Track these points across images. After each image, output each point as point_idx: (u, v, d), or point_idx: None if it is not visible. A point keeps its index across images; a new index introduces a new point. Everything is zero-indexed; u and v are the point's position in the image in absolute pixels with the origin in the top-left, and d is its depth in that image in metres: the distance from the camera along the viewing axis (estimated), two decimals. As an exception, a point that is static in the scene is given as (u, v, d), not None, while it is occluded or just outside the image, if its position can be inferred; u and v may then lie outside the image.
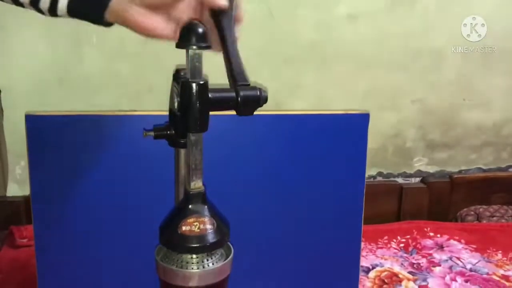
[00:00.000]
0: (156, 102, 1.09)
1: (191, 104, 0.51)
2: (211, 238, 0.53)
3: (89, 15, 0.54)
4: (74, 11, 0.54)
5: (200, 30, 0.51)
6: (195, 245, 0.53)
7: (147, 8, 0.52)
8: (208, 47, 0.52)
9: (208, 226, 0.54)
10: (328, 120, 0.90)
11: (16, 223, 1.14)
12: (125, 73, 1.15)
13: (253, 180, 0.87)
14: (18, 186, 1.19)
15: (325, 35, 1.20)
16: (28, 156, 0.80)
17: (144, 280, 0.79)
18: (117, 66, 1.14)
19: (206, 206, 0.54)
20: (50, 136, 0.80)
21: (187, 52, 0.52)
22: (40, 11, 0.55)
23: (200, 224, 0.53)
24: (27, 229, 1.10)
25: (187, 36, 0.51)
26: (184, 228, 0.53)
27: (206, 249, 0.54)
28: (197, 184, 0.54)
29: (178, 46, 0.52)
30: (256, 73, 1.17)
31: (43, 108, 1.05)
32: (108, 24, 0.55)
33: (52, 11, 0.54)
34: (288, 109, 1.21)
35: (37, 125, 0.79)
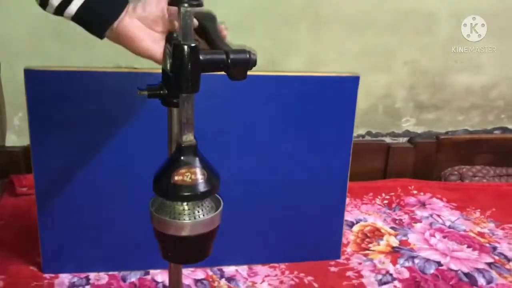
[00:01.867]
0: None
1: (183, 65, 0.53)
2: (202, 187, 0.57)
3: (92, 27, 0.57)
4: (79, 18, 0.56)
5: None
6: (187, 194, 0.57)
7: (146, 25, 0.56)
8: (199, 5, 0.54)
9: (199, 176, 0.57)
10: (320, 82, 0.92)
11: (15, 172, 1.17)
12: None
13: (244, 138, 0.91)
14: (16, 137, 1.22)
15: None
16: (28, 109, 0.83)
17: (140, 228, 0.84)
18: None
19: (197, 158, 0.57)
20: (49, 90, 0.83)
21: (179, 9, 0.54)
22: (45, 4, 0.56)
23: (192, 175, 0.56)
24: (27, 178, 1.14)
25: None
26: (176, 178, 0.56)
27: (197, 197, 0.57)
28: (188, 138, 0.57)
29: (171, 3, 0.55)
30: (251, 31, 1.20)
31: (39, 61, 1.07)
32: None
33: (60, 10, 0.56)
34: (282, 69, 1.23)
35: (36, 80, 0.82)
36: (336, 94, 0.93)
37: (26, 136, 0.98)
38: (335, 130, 0.95)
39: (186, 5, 0.53)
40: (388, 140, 1.37)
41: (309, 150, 0.95)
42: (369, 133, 1.36)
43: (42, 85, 0.82)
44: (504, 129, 1.42)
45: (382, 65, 1.30)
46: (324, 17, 1.22)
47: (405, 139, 1.38)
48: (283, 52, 1.24)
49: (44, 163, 0.86)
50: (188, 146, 0.57)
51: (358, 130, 1.34)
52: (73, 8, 0.56)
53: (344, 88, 0.93)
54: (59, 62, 1.09)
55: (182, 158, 0.57)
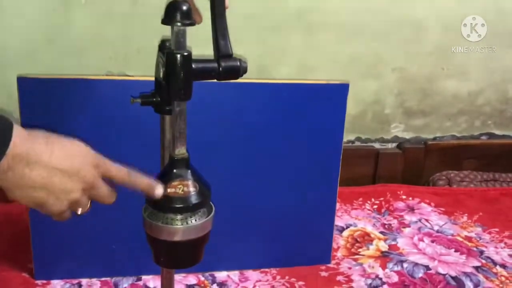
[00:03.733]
0: (144, 64, 1.10)
1: (175, 74, 0.55)
2: (194, 199, 0.58)
3: None
4: None
5: (184, 7, 0.54)
6: (179, 206, 0.58)
7: None
8: (191, 24, 0.56)
9: (191, 189, 0.58)
10: (310, 89, 0.94)
11: (7, 179, 1.17)
12: (114, 35, 1.16)
13: (235, 145, 0.92)
14: (8, 143, 1.22)
15: (312, 4, 1.22)
16: (21, 116, 0.83)
17: (132, 234, 0.85)
18: (105, 27, 1.15)
19: (189, 171, 0.59)
20: (42, 98, 0.83)
21: (172, 28, 0.55)
22: None
23: (184, 187, 0.58)
24: (18, 185, 1.13)
25: (172, 13, 0.54)
26: (169, 190, 0.58)
27: (189, 209, 0.59)
28: (181, 151, 0.59)
29: (164, 22, 0.56)
30: (243, 37, 1.22)
31: (31, 68, 1.08)
32: None
33: None
34: (272, 76, 1.25)
35: (29, 88, 0.82)
36: (326, 101, 0.94)
37: (18, 142, 0.98)
38: (325, 136, 0.96)
39: (179, 24, 0.55)
40: (377, 145, 1.39)
41: (300, 156, 0.96)
42: (358, 139, 1.38)
43: (35, 93, 0.83)
44: (491, 135, 1.45)
45: (371, 72, 1.32)
46: (314, 25, 1.24)
47: (394, 145, 1.40)
48: (273, 59, 1.25)
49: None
50: (180, 159, 0.59)
51: (348, 136, 1.36)
52: None
53: (334, 96, 0.95)
54: (50, 70, 1.09)
55: (174, 170, 0.58)
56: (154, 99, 0.59)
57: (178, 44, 0.55)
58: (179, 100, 0.56)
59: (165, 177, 0.58)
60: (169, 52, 0.55)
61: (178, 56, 0.54)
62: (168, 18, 0.55)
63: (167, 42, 0.59)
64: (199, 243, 0.60)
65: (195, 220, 0.59)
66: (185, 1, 0.55)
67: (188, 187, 0.58)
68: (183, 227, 0.58)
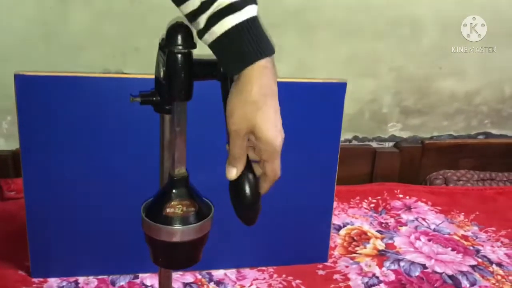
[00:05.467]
0: (142, 62, 1.11)
1: (176, 74, 0.54)
2: (193, 219, 0.58)
3: (240, 54, 0.51)
4: (229, 39, 0.50)
5: (185, 31, 0.54)
6: (179, 226, 0.58)
7: None
8: (191, 47, 0.55)
9: (191, 209, 0.58)
10: (307, 87, 0.94)
11: (3, 177, 1.17)
12: (111, 32, 1.16)
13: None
14: (4, 141, 1.22)
15: (309, 2, 1.22)
16: (18, 114, 0.83)
17: (129, 232, 0.85)
18: (103, 25, 1.15)
19: (188, 191, 0.59)
20: (39, 95, 0.83)
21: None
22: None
23: (184, 207, 0.58)
24: (15, 182, 1.13)
25: (173, 37, 0.54)
26: (168, 210, 0.58)
27: None
28: (180, 170, 0.59)
29: (162, 48, 0.55)
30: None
31: (28, 65, 1.07)
32: None
33: (209, 24, 0.50)
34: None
35: (26, 85, 0.82)
36: (323, 100, 0.94)
37: (15, 140, 0.98)
38: (323, 135, 0.96)
39: (180, 47, 0.54)
40: (374, 144, 1.39)
41: (297, 155, 0.96)
42: (356, 138, 1.38)
43: (32, 90, 0.83)
44: (488, 134, 1.45)
45: (369, 71, 1.32)
46: (312, 24, 1.24)
47: (391, 144, 1.40)
48: (271, 57, 1.25)
49: (33, 167, 0.86)
50: (180, 179, 0.59)
51: (345, 135, 1.36)
52: (228, 23, 0.49)
53: (331, 94, 0.95)
54: (48, 67, 1.09)
55: (174, 191, 0.59)
56: (154, 99, 0.59)
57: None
58: (180, 100, 0.56)
59: (164, 197, 0.59)
60: (170, 51, 0.54)
61: (179, 55, 0.54)
62: (168, 41, 0.54)
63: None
64: (197, 244, 0.60)
65: (194, 221, 0.59)
66: (185, 24, 0.54)
67: (188, 207, 0.58)
68: (182, 228, 0.58)
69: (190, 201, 0.58)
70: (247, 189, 0.56)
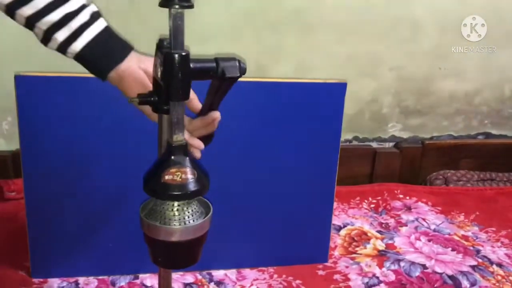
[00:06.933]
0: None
1: (173, 74, 0.54)
2: (192, 186, 0.57)
3: (97, 65, 0.57)
4: (83, 57, 0.57)
5: None
6: (177, 193, 0.57)
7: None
8: (190, 6, 0.54)
9: (189, 176, 0.57)
10: (307, 88, 0.94)
11: (3, 177, 1.17)
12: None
13: (232, 144, 0.92)
14: (5, 141, 1.22)
15: (309, 3, 1.22)
16: (18, 114, 0.83)
17: (129, 232, 0.85)
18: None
19: (187, 158, 0.58)
20: (39, 95, 0.83)
21: (170, 11, 0.54)
22: (46, 41, 0.57)
23: (182, 174, 0.57)
24: (15, 183, 1.13)
25: None
26: (167, 177, 0.56)
27: (187, 196, 0.58)
28: (179, 138, 0.58)
29: (161, 5, 0.54)
30: (240, 36, 1.21)
31: (27, 65, 1.07)
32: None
33: (64, 47, 0.57)
34: (270, 75, 1.25)
35: (26, 85, 0.82)
36: (323, 100, 0.94)
37: (15, 140, 0.98)
38: (323, 135, 0.96)
39: (177, 6, 0.53)
40: (374, 145, 1.39)
41: (297, 155, 0.96)
42: (356, 138, 1.38)
43: (32, 91, 0.83)
44: (488, 134, 1.45)
45: (369, 71, 1.32)
46: (312, 24, 1.24)
47: (391, 144, 1.40)
48: (271, 58, 1.25)
49: (34, 168, 0.86)
50: (178, 146, 0.58)
51: (345, 135, 1.36)
52: (78, 45, 0.56)
53: (331, 95, 0.95)
54: (48, 68, 1.09)
55: (172, 157, 0.57)
56: (152, 99, 0.59)
57: (176, 29, 0.54)
58: (177, 100, 0.56)
59: (162, 164, 0.57)
60: (167, 52, 0.54)
61: (176, 56, 0.54)
62: (165, 0, 0.53)
63: (165, 41, 0.58)
64: (197, 244, 0.60)
65: (193, 220, 0.59)
66: None
67: (186, 174, 0.57)
68: (180, 228, 0.58)
69: (189, 168, 0.57)
70: None
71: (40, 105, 0.84)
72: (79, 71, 0.89)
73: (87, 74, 0.86)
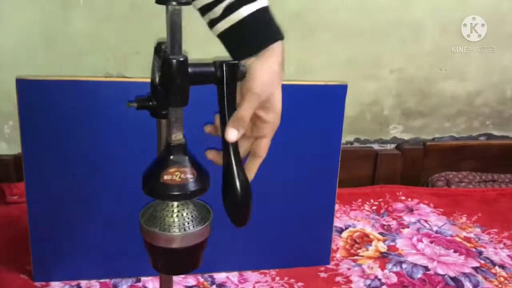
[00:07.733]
0: (143, 65, 1.11)
1: (171, 79, 0.53)
2: (191, 186, 0.56)
3: (256, 37, 0.55)
4: (245, 24, 0.55)
5: None
6: (176, 193, 0.56)
7: None
8: (187, 3, 0.53)
9: (189, 176, 0.56)
10: (308, 90, 0.94)
11: (5, 181, 1.17)
12: (112, 36, 1.17)
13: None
14: (6, 145, 1.22)
15: (310, 5, 1.23)
16: (20, 118, 0.84)
17: (131, 236, 0.85)
18: (104, 29, 1.16)
19: (186, 157, 0.57)
20: (41, 99, 0.83)
21: (167, 8, 0.53)
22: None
23: (181, 174, 0.56)
24: (17, 187, 1.14)
25: None
26: (165, 177, 0.55)
27: (187, 196, 0.57)
28: (178, 136, 0.56)
29: (158, 1, 0.53)
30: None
31: (29, 69, 1.08)
32: None
33: (229, 11, 0.55)
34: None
35: (28, 89, 0.82)
36: (324, 102, 0.94)
37: (17, 144, 0.99)
38: (324, 137, 0.96)
39: (174, 3, 0.52)
40: (376, 146, 1.39)
41: (298, 158, 0.96)
42: (357, 140, 1.38)
43: (34, 95, 0.83)
44: (489, 136, 1.45)
45: (370, 73, 1.32)
46: (312, 26, 1.24)
47: (392, 146, 1.40)
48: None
49: (35, 171, 0.87)
50: (177, 145, 0.57)
51: (347, 137, 1.36)
52: (244, 10, 0.54)
53: (332, 96, 0.95)
54: (49, 71, 1.09)
55: (171, 157, 0.56)
56: (150, 103, 0.58)
57: (173, 26, 0.52)
58: (176, 106, 0.55)
59: (161, 164, 0.56)
60: (165, 58, 0.53)
61: (174, 61, 0.53)
62: None
63: (163, 44, 0.57)
64: (197, 250, 0.59)
65: (193, 227, 0.58)
66: None
67: (186, 174, 0.56)
68: (180, 234, 0.57)
69: (188, 168, 0.56)
70: (239, 186, 0.57)
71: (42, 109, 0.84)
72: (81, 75, 0.90)
73: (88, 78, 0.87)
